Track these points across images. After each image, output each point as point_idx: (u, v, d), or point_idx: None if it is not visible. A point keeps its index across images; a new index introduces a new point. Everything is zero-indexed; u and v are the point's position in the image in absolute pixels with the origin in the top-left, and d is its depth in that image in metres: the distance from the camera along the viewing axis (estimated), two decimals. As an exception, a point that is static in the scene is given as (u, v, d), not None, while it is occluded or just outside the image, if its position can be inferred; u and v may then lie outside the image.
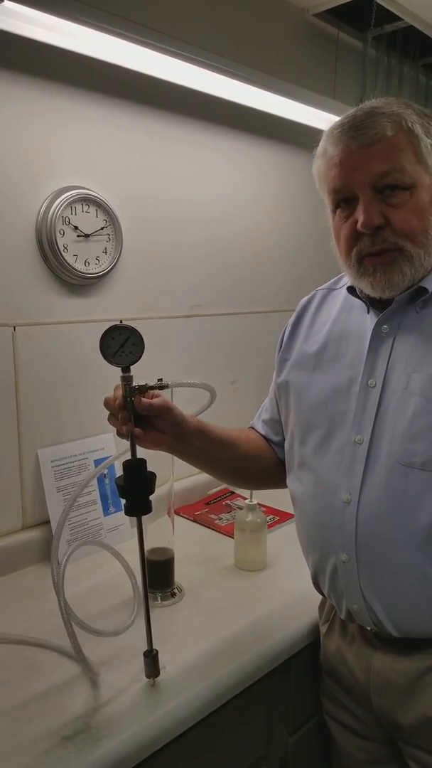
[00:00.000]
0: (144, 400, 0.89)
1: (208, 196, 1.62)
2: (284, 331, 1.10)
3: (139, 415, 0.89)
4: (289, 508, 1.52)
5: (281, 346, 1.09)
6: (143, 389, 0.89)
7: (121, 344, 0.85)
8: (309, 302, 1.08)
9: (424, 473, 0.83)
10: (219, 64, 1.30)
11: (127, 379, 0.87)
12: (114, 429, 0.92)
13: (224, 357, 1.73)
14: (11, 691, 0.90)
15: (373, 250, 0.86)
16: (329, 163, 0.88)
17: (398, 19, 1.80)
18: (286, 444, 1.05)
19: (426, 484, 0.83)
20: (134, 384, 0.88)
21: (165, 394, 0.94)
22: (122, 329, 0.85)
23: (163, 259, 1.53)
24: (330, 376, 0.96)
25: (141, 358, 0.86)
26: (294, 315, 1.10)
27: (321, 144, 0.90)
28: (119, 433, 0.91)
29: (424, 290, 0.87)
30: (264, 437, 1.14)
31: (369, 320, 0.93)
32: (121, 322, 0.86)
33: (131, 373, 0.87)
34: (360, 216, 0.85)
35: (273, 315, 1.84)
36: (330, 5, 1.74)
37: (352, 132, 0.84)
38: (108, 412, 0.91)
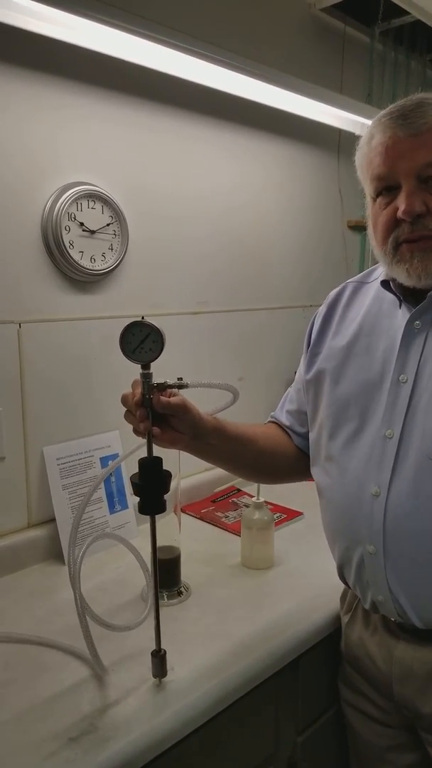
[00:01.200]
0: (162, 398, 0.88)
1: (213, 192, 1.61)
2: (312, 323, 1.09)
3: (157, 414, 0.88)
4: (296, 505, 1.52)
5: (310, 340, 1.08)
6: (162, 387, 0.88)
7: (141, 341, 0.84)
8: (339, 295, 1.07)
9: None
10: (225, 58, 1.29)
11: (146, 377, 0.86)
12: (124, 426, 0.91)
13: (231, 354, 1.72)
14: (17, 692, 0.89)
15: (412, 236, 0.86)
16: (374, 151, 0.88)
17: (405, 13, 1.79)
18: (312, 436, 1.05)
19: None
20: (153, 382, 0.87)
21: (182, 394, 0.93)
22: (143, 326, 0.84)
23: (169, 255, 1.53)
24: (361, 370, 0.96)
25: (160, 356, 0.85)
26: (324, 307, 1.08)
27: (368, 131, 0.90)
28: (136, 431, 0.89)
29: None
30: (287, 428, 1.13)
31: (401, 315, 0.93)
32: (142, 318, 0.85)
33: (151, 371, 0.86)
34: (402, 203, 0.85)
35: (279, 311, 1.83)
36: (337, 0, 1.73)
37: (401, 120, 0.84)
38: (125, 409, 0.90)
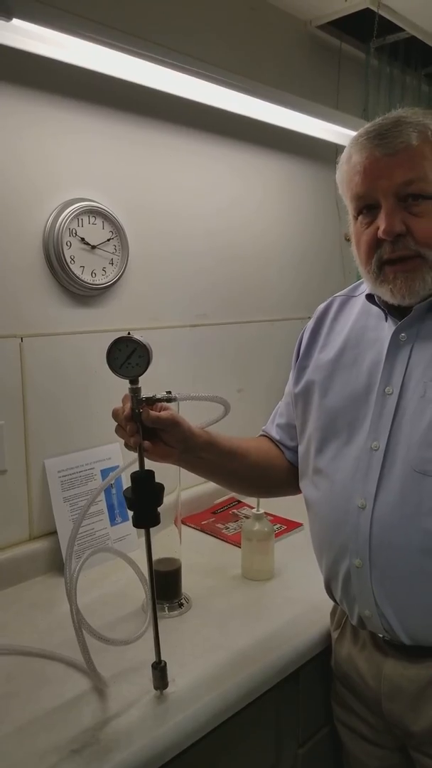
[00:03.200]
0: (152, 413, 0.89)
1: (212, 206, 1.63)
2: (301, 337, 1.10)
3: (147, 428, 0.89)
4: (296, 516, 1.53)
5: (299, 353, 1.09)
6: (151, 401, 0.89)
7: (128, 356, 0.86)
8: (327, 309, 1.08)
9: None
10: (223, 77, 1.31)
11: (135, 391, 0.87)
12: (122, 440, 0.92)
13: (230, 366, 1.73)
14: (19, 704, 0.90)
15: (393, 256, 0.87)
16: (353, 170, 0.88)
17: (400, 30, 1.82)
18: (301, 449, 1.05)
19: None
20: (142, 396, 0.88)
21: (173, 408, 0.94)
22: (129, 341, 0.86)
23: (169, 269, 1.54)
24: (348, 383, 0.96)
25: (147, 370, 0.86)
26: (312, 321, 1.09)
27: (346, 151, 0.91)
28: (127, 445, 0.91)
29: None
30: (278, 442, 1.13)
31: (387, 328, 0.93)
32: (128, 333, 0.86)
33: (139, 385, 0.87)
34: (382, 223, 0.85)
35: (278, 323, 1.85)
36: (332, 17, 1.76)
37: (378, 140, 0.85)
38: (116, 424, 0.91)
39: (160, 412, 0.91)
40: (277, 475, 1.11)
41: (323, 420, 0.98)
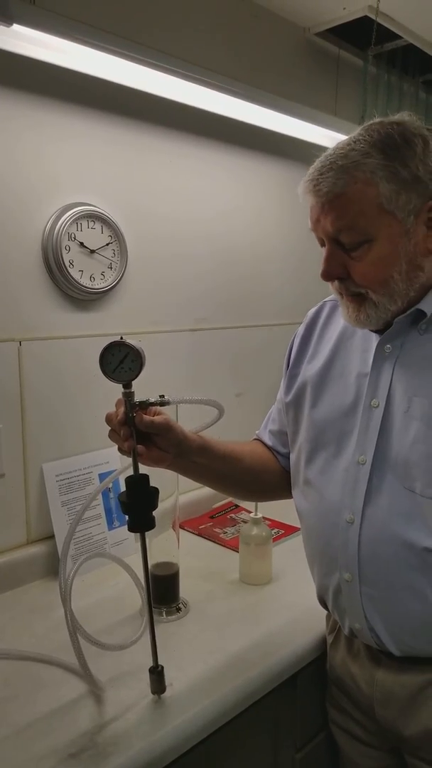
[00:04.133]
0: (145, 417, 0.89)
1: (211, 210, 1.63)
2: (292, 344, 1.09)
3: (141, 432, 0.89)
4: (294, 521, 1.52)
5: (289, 361, 1.08)
6: (144, 405, 0.89)
7: (120, 360, 0.86)
8: (317, 315, 1.07)
9: (423, 498, 0.83)
10: (223, 83, 1.32)
11: (128, 395, 0.87)
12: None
13: (229, 370, 1.73)
14: (17, 708, 0.90)
15: (340, 291, 0.89)
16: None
17: (398, 37, 1.83)
18: (292, 458, 1.05)
19: (426, 508, 0.83)
20: (135, 400, 0.88)
21: (170, 412, 0.94)
22: (121, 346, 0.86)
23: (168, 273, 1.55)
24: (337, 394, 0.95)
25: (140, 375, 0.86)
26: (302, 327, 1.09)
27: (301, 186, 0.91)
28: (120, 449, 0.91)
29: (423, 313, 0.86)
30: (270, 448, 1.13)
31: (374, 338, 0.92)
32: (121, 338, 0.86)
33: (133, 389, 0.87)
34: (322, 265, 0.87)
35: (277, 328, 1.85)
36: (331, 25, 1.78)
37: (311, 185, 0.84)
38: (110, 428, 0.91)
39: (154, 416, 0.91)
40: (271, 479, 1.11)
41: (312, 431, 0.98)
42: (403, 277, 0.84)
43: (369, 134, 0.83)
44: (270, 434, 1.14)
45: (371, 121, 0.86)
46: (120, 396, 0.88)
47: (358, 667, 0.97)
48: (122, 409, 0.88)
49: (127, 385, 0.87)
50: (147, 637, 0.90)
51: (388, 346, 0.90)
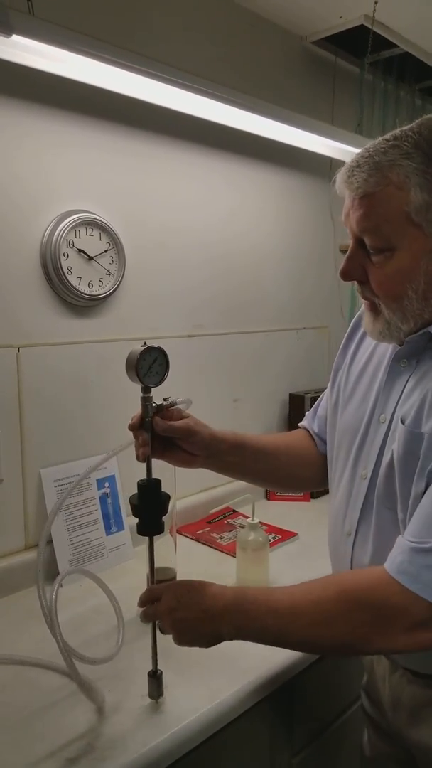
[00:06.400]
0: (165, 422, 0.88)
1: (209, 218, 1.64)
2: (349, 330, 1.04)
3: (161, 436, 0.89)
4: (291, 526, 1.53)
5: (340, 347, 1.04)
6: (160, 409, 0.89)
7: (150, 365, 0.87)
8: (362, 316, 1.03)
9: (400, 521, 0.82)
10: (220, 91, 1.33)
11: (147, 400, 0.87)
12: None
13: (226, 376, 1.74)
14: (15, 713, 0.90)
15: (361, 296, 0.86)
16: None
17: (394, 45, 1.85)
18: (328, 455, 1.03)
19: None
20: (154, 403, 0.88)
21: (191, 414, 0.94)
22: (152, 350, 0.87)
23: (166, 280, 1.56)
24: (360, 404, 0.93)
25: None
26: (352, 323, 1.04)
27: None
28: (137, 457, 0.89)
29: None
30: (316, 435, 1.10)
31: (391, 351, 0.89)
32: (144, 343, 0.87)
33: (151, 394, 0.88)
34: (341, 264, 0.83)
35: (274, 334, 1.86)
36: (328, 33, 1.79)
37: (347, 176, 0.80)
38: (122, 431, 0.91)
39: (174, 420, 0.90)
40: (305, 473, 1.09)
41: (335, 438, 0.98)
42: (420, 296, 0.79)
43: (419, 132, 0.76)
44: (319, 419, 1.10)
45: (429, 116, 0.79)
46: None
47: (382, 667, 0.98)
48: (138, 415, 0.87)
49: (146, 389, 0.87)
50: (146, 641, 0.90)
51: (404, 360, 0.86)
